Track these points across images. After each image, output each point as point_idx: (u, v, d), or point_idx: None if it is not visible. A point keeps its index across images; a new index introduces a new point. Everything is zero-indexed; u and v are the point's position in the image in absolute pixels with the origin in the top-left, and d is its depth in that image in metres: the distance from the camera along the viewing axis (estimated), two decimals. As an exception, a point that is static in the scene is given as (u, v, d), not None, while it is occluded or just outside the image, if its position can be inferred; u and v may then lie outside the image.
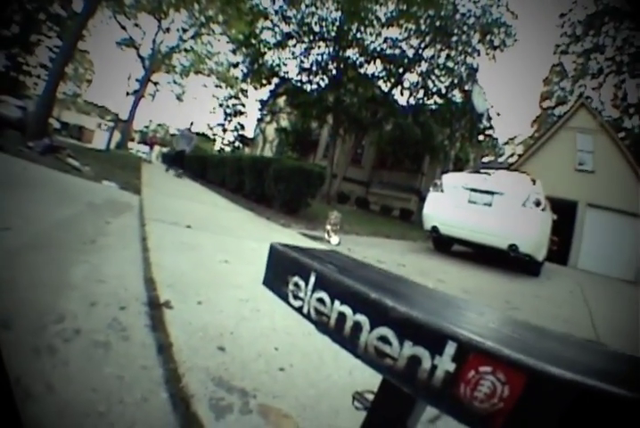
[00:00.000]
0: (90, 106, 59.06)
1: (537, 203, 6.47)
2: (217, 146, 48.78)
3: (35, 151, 7.79)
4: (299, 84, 22.00)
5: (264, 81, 22.03)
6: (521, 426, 0.41)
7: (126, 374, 1.31)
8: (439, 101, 21.42)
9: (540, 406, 0.39)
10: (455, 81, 20.62)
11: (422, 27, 19.90)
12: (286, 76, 22.14)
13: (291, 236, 5.66)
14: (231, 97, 45.01)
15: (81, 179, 6.19)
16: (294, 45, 21.30)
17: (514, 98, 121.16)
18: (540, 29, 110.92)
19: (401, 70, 21.02)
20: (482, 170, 7.71)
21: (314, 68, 21.37)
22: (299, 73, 21.70)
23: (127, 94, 34.73)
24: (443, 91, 21.07)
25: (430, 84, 21.11)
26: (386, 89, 21.89)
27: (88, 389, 1.19)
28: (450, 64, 20.58)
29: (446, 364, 0.46)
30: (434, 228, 7.31)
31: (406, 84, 21.72)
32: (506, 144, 46.81)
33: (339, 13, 19.92)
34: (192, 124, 15.49)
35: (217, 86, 42.38)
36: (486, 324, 0.63)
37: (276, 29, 20.91)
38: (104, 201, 4.77)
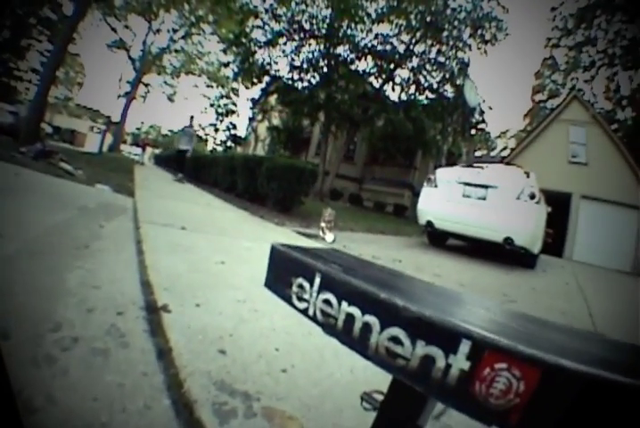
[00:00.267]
0: (82, 109, 58.65)
1: (532, 196, 6.48)
2: (210, 146, 48.65)
3: (27, 156, 7.73)
4: (290, 82, 21.96)
5: (255, 80, 21.96)
6: (537, 419, 0.41)
7: (127, 382, 1.29)
8: (431, 96, 21.45)
9: (555, 398, 0.39)
10: (447, 76, 20.64)
11: (413, 22, 19.88)
12: (277, 74, 22.10)
13: (286, 234, 5.64)
14: (222, 97, 44.78)
15: (74, 183, 6.14)
16: (285, 43, 21.25)
17: (506, 92, 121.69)
18: (531, 23, 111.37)
19: (392, 66, 21.02)
20: (475, 164, 7.71)
21: (305, 65, 21.34)
22: (290, 71, 21.66)
23: (119, 96, 34.53)
24: (435, 86, 21.10)
25: (421, 79, 21.13)
26: (377, 85, 21.90)
27: (89, 398, 1.17)
28: (441, 59, 20.62)
29: (460, 362, 0.45)
30: (429, 223, 7.32)
31: (398, 79, 21.75)
32: (498, 137, 46.98)
33: (329, 11, 19.88)
34: (192, 119, 13.15)
35: (208, 86, 42.21)
36: (494, 319, 0.62)
37: (267, 28, 20.86)
38: (98, 205, 4.73)
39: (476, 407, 0.44)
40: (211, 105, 45.64)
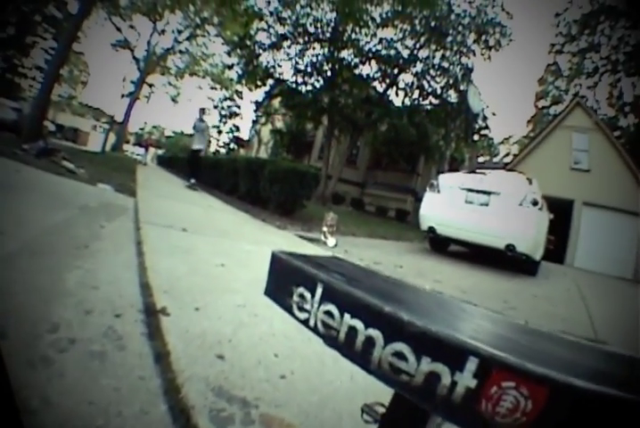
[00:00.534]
0: (85, 108, 58.90)
1: (534, 203, 6.47)
2: (213, 148, 48.75)
3: (30, 153, 7.73)
4: (293, 85, 22.01)
5: (259, 83, 22.04)
6: None
7: (123, 386, 1.27)
8: (435, 101, 21.47)
9: (563, 417, 0.38)
10: (451, 81, 20.68)
11: (417, 27, 19.94)
12: (281, 77, 22.17)
13: (287, 238, 5.63)
14: (226, 99, 44.88)
15: (76, 182, 6.13)
16: (289, 47, 21.33)
17: (509, 98, 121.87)
18: (535, 29, 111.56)
19: (396, 71, 21.07)
20: (478, 170, 7.70)
21: (309, 69, 21.38)
22: (294, 74, 21.72)
23: (122, 96, 34.57)
24: (438, 91, 21.13)
25: (425, 84, 21.16)
26: (381, 90, 21.96)
27: (85, 402, 1.16)
28: (445, 64, 20.65)
29: (467, 380, 0.44)
30: (431, 229, 7.30)
31: (401, 84, 21.79)
32: (501, 143, 46.94)
33: (334, 14, 19.95)
34: (203, 111, 11.35)
35: (211, 88, 42.21)
36: (502, 334, 0.61)
37: (271, 31, 20.94)
38: (99, 205, 4.72)
39: (481, 425, 0.43)
40: (215, 107, 45.73)
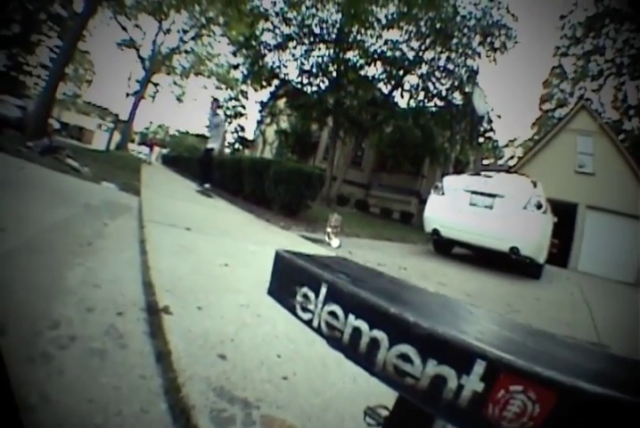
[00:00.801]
0: (90, 107, 58.96)
1: (539, 206, 6.45)
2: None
3: (34, 151, 7.75)
4: (299, 86, 22.03)
5: (264, 83, 22.03)
6: None
7: (123, 384, 1.26)
8: (440, 103, 21.44)
9: (571, 422, 0.38)
10: (456, 83, 20.62)
11: (423, 29, 19.89)
12: (286, 78, 22.16)
13: (291, 239, 5.62)
14: (231, 99, 44.89)
15: (80, 180, 6.13)
16: (294, 47, 21.33)
17: (514, 100, 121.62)
18: (540, 31, 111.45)
19: (401, 73, 21.03)
20: (483, 173, 7.68)
21: (314, 70, 21.37)
22: (300, 75, 21.71)
23: (128, 95, 34.68)
24: (443, 93, 21.08)
25: (430, 86, 21.11)
26: (386, 91, 21.94)
27: (85, 400, 1.15)
28: (450, 66, 20.60)
29: (473, 384, 0.43)
30: (435, 231, 7.28)
31: (407, 86, 21.74)
32: (506, 146, 46.81)
33: (339, 15, 19.94)
34: (216, 102, 9.85)
35: (217, 88, 42.33)
36: (509, 336, 0.60)
37: (277, 31, 20.94)
38: (103, 203, 4.72)
39: (488, 430, 0.42)
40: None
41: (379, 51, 20.73)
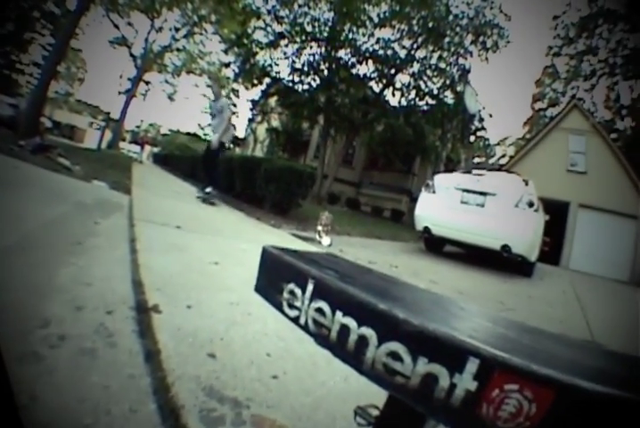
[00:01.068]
0: (82, 105, 58.64)
1: (530, 204, 6.47)
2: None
3: (26, 149, 7.67)
4: (290, 84, 22.01)
5: (255, 81, 22.00)
6: None
7: (113, 384, 1.24)
8: (431, 102, 21.49)
9: (568, 421, 0.37)
10: (448, 82, 20.73)
11: (415, 28, 19.98)
12: (278, 76, 22.15)
13: (282, 237, 5.60)
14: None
15: (71, 178, 6.08)
16: (286, 45, 21.35)
17: (506, 99, 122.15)
18: (533, 31, 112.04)
19: (393, 71, 21.09)
20: (474, 171, 7.69)
21: (305, 68, 21.39)
22: (291, 73, 21.71)
23: (119, 93, 34.54)
24: (435, 92, 21.17)
25: (422, 85, 21.20)
26: (378, 90, 21.99)
27: (74, 399, 1.13)
28: (442, 65, 20.71)
29: (466, 382, 0.42)
30: (426, 229, 7.29)
31: (398, 85, 21.84)
32: (498, 144, 47.06)
33: (331, 14, 19.96)
34: (215, 84, 8.79)
35: (208, 86, 42.11)
36: (503, 333, 0.58)
37: (269, 29, 20.95)
38: (94, 201, 4.68)
39: (482, 430, 0.41)
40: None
41: (371, 49, 20.80)
